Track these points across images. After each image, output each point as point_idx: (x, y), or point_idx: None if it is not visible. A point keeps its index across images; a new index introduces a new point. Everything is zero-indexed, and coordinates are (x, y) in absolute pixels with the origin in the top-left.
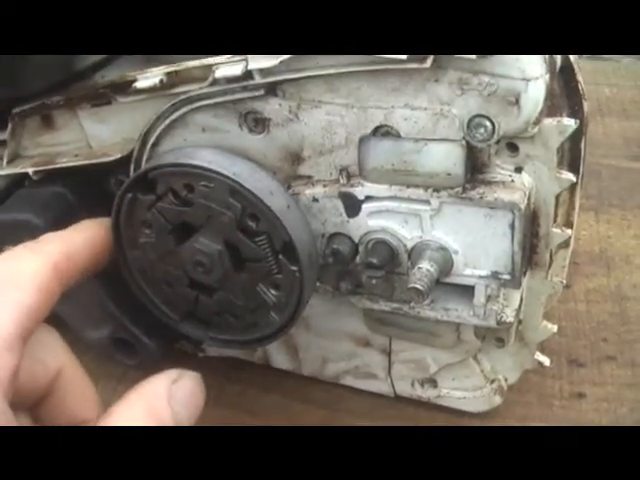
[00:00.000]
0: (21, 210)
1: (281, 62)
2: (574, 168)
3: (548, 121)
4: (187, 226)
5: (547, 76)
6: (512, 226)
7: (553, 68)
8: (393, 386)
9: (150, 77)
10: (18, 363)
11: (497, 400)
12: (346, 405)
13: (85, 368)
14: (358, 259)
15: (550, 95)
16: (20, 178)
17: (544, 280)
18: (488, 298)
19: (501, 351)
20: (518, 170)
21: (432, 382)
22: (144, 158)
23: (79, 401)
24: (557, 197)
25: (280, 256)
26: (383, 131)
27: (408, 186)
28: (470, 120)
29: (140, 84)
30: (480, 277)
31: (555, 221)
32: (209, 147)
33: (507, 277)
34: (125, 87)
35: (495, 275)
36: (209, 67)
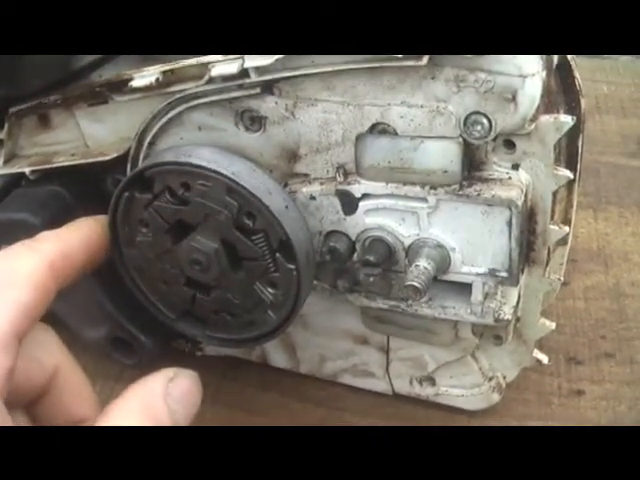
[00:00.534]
0: (18, 209)
1: (277, 60)
2: (571, 165)
3: (545, 118)
4: (184, 225)
5: (544, 73)
6: (509, 223)
7: (550, 65)
8: (391, 384)
9: (146, 76)
10: (14, 362)
11: (495, 398)
12: (344, 403)
13: (83, 367)
14: (355, 257)
15: (547, 92)
16: (17, 178)
17: (542, 277)
18: (486, 296)
19: (499, 349)
20: (515, 167)
21: (430, 380)
22: (141, 157)
23: (76, 399)
24: (554, 194)
25: (277, 254)
26: (380, 129)
27: (405, 184)
28: (467, 117)
29: (136, 83)
30: (477, 274)
31: (553, 218)
32: (206, 145)
33: (504, 274)
34: (121, 86)
35: (492, 272)
36: (205, 65)
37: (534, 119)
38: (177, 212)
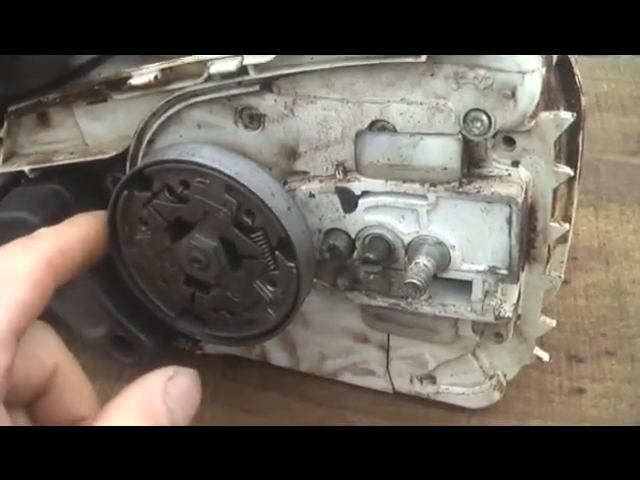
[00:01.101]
0: (17, 208)
1: (276, 57)
2: (572, 162)
3: (545, 115)
4: (183, 223)
5: (543, 69)
6: (509, 220)
7: (549, 61)
8: (392, 382)
9: (145, 74)
10: (12, 361)
11: (496, 396)
12: (344, 402)
13: (82, 366)
14: (355, 255)
15: (547, 89)
16: (16, 176)
17: (542, 275)
18: (486, 293)
19: (500, 347)
20: (515, 164)
21: (431, 378)
22: (140, 155)
23: (76, 398)
24: (555, 191)
25: (276, 252)
26: (379, 126)
27: (404, 181)
28: (466, 114)
29: (135, 81)
30: (477, 272)
31: (553, 215)
32: (206, 143)
33: (505, 272)
34: (120, 84)
35: (493, 270)
36: (204, 63)
37: (534, 116)
38: (176, 210)
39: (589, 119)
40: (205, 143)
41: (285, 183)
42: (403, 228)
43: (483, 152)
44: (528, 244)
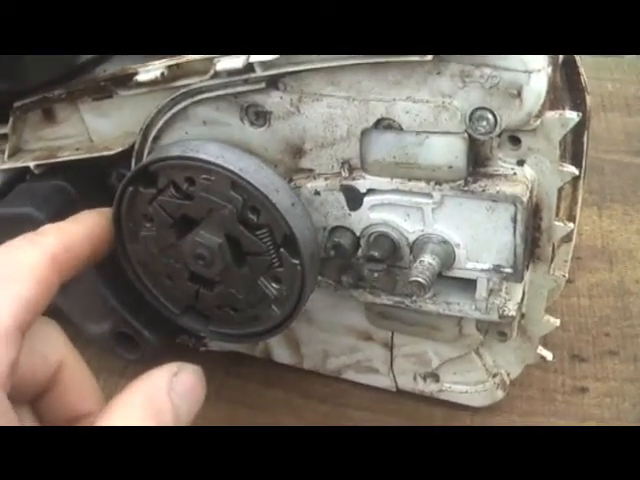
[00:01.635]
0: (22, 204)
1: (282, 55)
2: (577, 162)
3: (550, 114)
4: (188, 219)
5: (549, 69)
6: (514, 219)
7: (555, 61)
8: (395, 380)
9: (151, 70)
10: (17, 356)
11: (499, 394)
12: (347, 399)
13: (87, 363)
14: (360, 252)
15: (552, 88)
16: (22, 172)
17: (546, 274)
18: (490, 292)
19: (503, 345)
20: (520, 163)
21: (434, 376)
22: (145, 151)
23: (80, 394)
24: (560, 191)
25: (281, 249)
26: (385, 124)
27: (410, 179)
28: (472, 113)
29: (141, 77)
30: (482, 270)
31: (557, 215)
32: (211, 140)
33: (509, 270)
34: (126, 80)
35: (497, 268)
36: (210, 60)
37: (539, 115)
38: (181, 207)
39: (593, 119)
40: (210, 140)
41: (290, 180)
42: (408, 226)
43: (489, 151)
44: (532, 243)
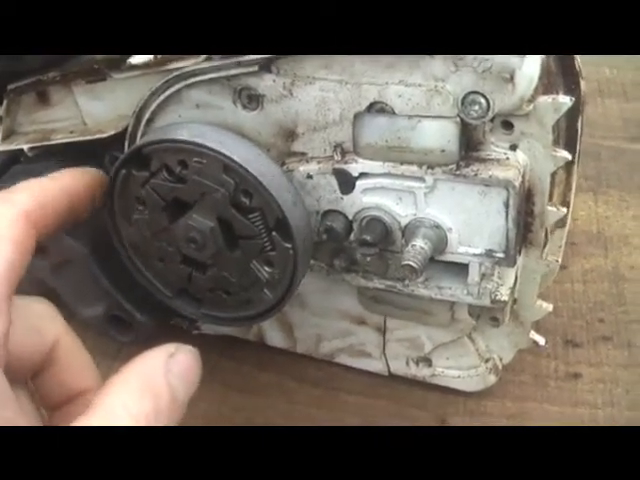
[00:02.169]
0: None
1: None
2: (571, 147)
3: (543, 98)
4: (181, 203)
5: None
6: (506, 204)
7: None
8: (387, 365)
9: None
10: (8, 325)
11: (492, 379)
12: (340, 383)
13: None
14: (352, 236)
15: (546, 73)
16: (16, 155)
17: (539, 259)
18: (482, 276)
19: (496, 330)
20: (513, 148)
21: (427, 361)
22: (138, 134)
23: (77, 372)
24: (553, 176)
25: (273, 233)
26: (377, 108)
27: (402, 163)
28: (464, 97)
29: (134, 60)
30: (474, 255)
31: (551, 200)
32: (203, 123)
33: (501, 255)
34: (120, 63)
35: (489, 253)
36: None
37: (532, 99)
38: (174, 190)
39: (591, 105)
40: (203, 123)
41: (283, 164)
42: (400, 210)
43: (481, 135)
44: (525, 228)
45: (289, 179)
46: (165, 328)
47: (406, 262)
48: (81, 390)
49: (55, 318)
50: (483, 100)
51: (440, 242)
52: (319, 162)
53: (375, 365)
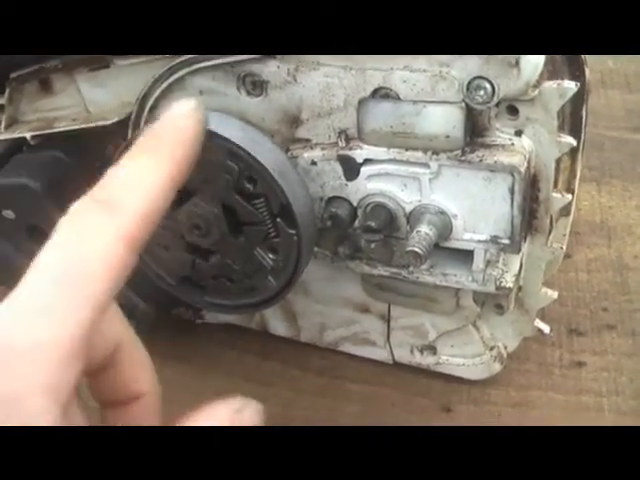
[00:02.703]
0: (19, 174)
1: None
2: (575, 133)
3: (548, 84)
4: (184, 189)
5: None
6: (512, 190)
7: None
8: (392, 353)
9: None
10: (79, 376)
11: (496, 367)
12: (344, 372)
13: None
14: (357, 223)
15: (551, 60)
16: (19, 143)
17: (544, 246)
18: (487, 263)
19: (500, 318)
20: (518, 133)
21: (431, 349)
22: (142, 121)
23: (136, 374)
24: (558, 162)
25: (278, 219)
26: (382, 93)
27: (407, 149)
28: (470, 82)
29: None
30: (479, 242)
31: (556, 187)
32: (208, 110)
33: (506, 242)
34: None
35: (494, 240)
36: None
37: (537, 85)
38: None
39: (594, 95)
40: (207, 109)
41: (287, 150)
42: (405, 196)
43: (486, 121)
44: (530, 214)
45: (293, 165)
46: (168, 317)
47: (411, 248)
48: (138, 393)
49: (118, 319)
50: (488, 85)
51: (445, 228)
52: (323, 148)
53: (379, 353)
